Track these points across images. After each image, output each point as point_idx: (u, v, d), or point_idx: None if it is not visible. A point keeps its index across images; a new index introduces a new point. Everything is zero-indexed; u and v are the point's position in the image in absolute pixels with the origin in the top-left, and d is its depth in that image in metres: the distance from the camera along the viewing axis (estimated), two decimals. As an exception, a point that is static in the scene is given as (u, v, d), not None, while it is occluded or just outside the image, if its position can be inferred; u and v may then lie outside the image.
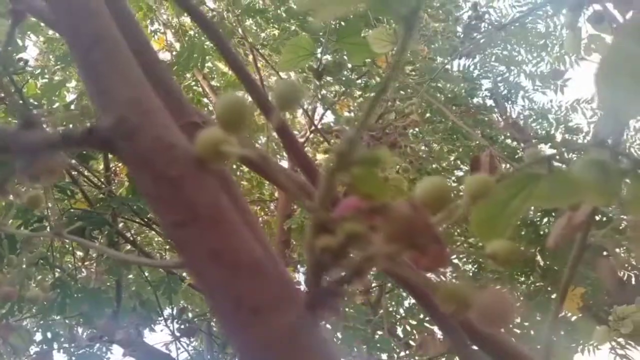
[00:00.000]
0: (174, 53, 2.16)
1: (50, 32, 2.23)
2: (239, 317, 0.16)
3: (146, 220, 1.44)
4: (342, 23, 1.71)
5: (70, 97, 2.17)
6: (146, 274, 1.55)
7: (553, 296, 1.80)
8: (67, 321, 1.58)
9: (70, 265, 1.78)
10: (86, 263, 1.56)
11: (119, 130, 0.20)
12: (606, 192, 0.34)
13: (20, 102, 1.54)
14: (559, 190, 0.30)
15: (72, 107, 1.68)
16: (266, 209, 2.48)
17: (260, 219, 2.49)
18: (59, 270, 1.56)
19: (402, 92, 1.68)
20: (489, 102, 2.29)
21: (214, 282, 0.17)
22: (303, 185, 0.46)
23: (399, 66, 0.16)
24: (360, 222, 0.17)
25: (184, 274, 1.47)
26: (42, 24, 2.11)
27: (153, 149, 0.19)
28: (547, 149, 1.85)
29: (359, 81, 2.19)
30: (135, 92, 0.21)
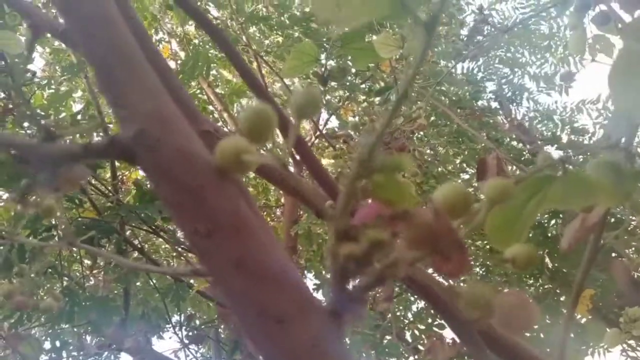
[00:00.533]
0: (179, 62, 2.17)
1: (56, 42, 2.25)
2: (264, 327, 0.16)
3: (154, 227, 1.44)
4: (346, 29, 1.72)
5: (76, 107, 2.19)
6: (154, 281, 1.55)
7: (562, 299, 1.79)
8: (75, 329, 1.58)
9: (77, 274, 1.78)
10: (94, 271, 1.57)
11: (140, 142, 0.20)
12: (620, 193, 0.34)
13: (28, 112, 1.55)
14: (573, 192, 0.30)
15: (79, 117, 1.69)
16: (272, 215, 2.49)
17: (266, 224, 2.49)
18: (67, 278, 1.57)
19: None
20: (494, 105, 2.29)
21: (239, 292, 0.17)
22: (317, 192, 0.46)
23: (418, 69, 0.16)
24: (383, 228, 0.17)
25: (192, 281, 1.47)
26: (49, 35, 2.13)
27: (174, 159, 0.19)
28: (553, 151, 1.84)
29: (363, 86, 2.19)
30: (155, 101, 0.21)
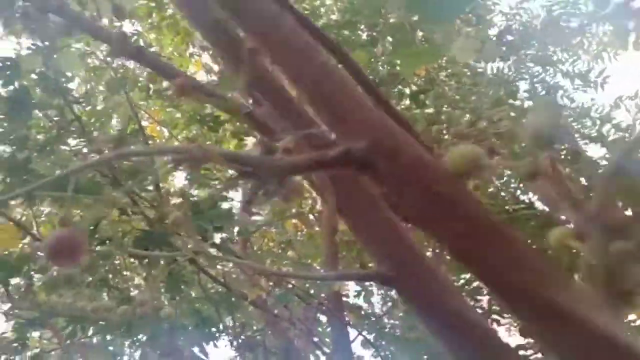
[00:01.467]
0: (211, 74, 2.21)
1: (89, 61, 2.31)
2: (552, 321, 0.17)
3: (202, 237, 1.47)
4: (375, 33, 1.73)
5: (114, 123, 2.23)
6: (205, 291, 1.57)
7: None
8: (126, 342, 1.61)
9: (120, 285, 1.82)
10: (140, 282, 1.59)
11: (377, 151, 0.21)
12: None
13: (73, 129, 1.60)
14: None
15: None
16: (306, 223, 2.50)
17: (301, 232, 2.50)
18: (117, 290, 1.60)
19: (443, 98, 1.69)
20: (528, 104, 2.27)
21: (516, 288, 0.18)
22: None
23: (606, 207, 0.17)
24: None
25: (246, 292, 1.49)
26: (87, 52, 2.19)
27: (416, 167, 0.21)
28: (598, 149, 1.82)
29: (394, 90, 2.20)
30: (379, 116, 0.22)
